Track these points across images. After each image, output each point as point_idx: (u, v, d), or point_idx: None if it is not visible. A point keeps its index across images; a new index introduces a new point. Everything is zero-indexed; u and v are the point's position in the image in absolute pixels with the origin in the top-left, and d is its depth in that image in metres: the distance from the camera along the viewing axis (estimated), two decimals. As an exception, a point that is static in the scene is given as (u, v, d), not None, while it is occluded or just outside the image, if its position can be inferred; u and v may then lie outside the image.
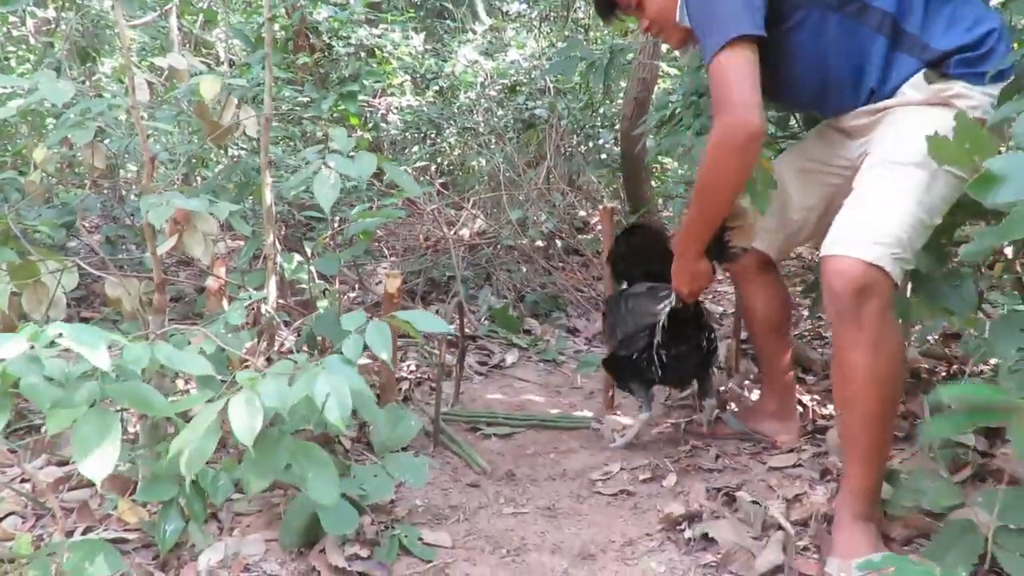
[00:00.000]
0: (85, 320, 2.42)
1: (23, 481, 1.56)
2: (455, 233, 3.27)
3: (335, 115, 3.51)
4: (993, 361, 1.90)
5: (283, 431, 1.13)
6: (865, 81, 1.37)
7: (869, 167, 1.32)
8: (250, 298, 1.38)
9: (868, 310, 1.20)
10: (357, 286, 2.91)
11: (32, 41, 4.16)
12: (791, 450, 1.73)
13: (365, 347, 1.16)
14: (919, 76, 1.32)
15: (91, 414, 0.96)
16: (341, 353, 1.09)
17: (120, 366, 0.97)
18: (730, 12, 1.28)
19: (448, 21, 4.61)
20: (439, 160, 4.19)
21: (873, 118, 1.39)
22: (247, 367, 1.36)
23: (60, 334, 0.91)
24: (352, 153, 1.36)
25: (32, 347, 0.92)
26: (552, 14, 5.02)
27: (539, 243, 3.42)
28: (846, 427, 1.30)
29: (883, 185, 1.26)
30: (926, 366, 2.03)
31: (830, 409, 1.92)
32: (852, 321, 1.21)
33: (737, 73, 1.28)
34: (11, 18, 4.17)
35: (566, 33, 4.71)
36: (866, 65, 1.35)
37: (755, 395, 2.05)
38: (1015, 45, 1.98)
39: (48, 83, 1.29)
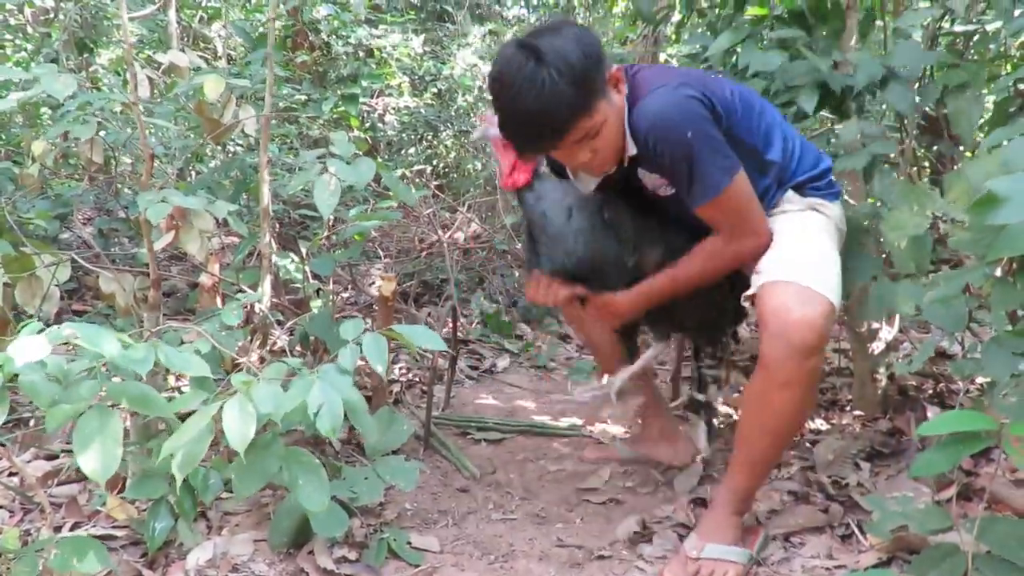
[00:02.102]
0: (77, 313, 2.41)
1: (11, 475, 1.55)
2: (449, 236, 3.27)
3: (334, 115, 3.51)
4: (980, 380, 1.92)
5: (275, 435, 1.14)
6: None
7: (784, 235, 1.39)
8: (246, 299, 1.38)
9: (815, 359, 1.25)
10: (350, 286, 2.91)
11: (30, 30, 4.14)
12: (778, 465, 1.74)
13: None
14: (791, 193, 1.45)
15: (93, 413, 0.96)
16: (336, 361, 1.09)
17: (118, 365, 0.97)
18: (724, 149, 1.31)
19: (448, 24, 4.62)
20: (435, 162, 4.19)
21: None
22: (240, 367, 1.37)
23: (75, 335, 0.91)
24: (351, 158, 1.37)
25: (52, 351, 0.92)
26: (551, 18, 5.03)
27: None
28: (744, 446, 1.37)
29: (812, 239, 1.37)
30: (913, 383, 2.05)
31: (819, 423, 1.94)
32: (798, 367, 1.23)
33: (752, 200, 1.37)
34: (8, 6, 4.15)
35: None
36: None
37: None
38: (1009, 67, 2.02)
39: (49, 76, 1.29)
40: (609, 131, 1.29)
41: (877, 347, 1.97)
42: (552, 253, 1.42)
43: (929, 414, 1.81)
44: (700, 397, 1.73)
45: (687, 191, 1.33)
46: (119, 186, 3.22)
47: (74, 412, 0.96)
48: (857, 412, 1.95)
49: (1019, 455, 0.97)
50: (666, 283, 1.43)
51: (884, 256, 1.59)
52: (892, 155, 2.23)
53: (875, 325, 1.99)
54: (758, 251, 1.38)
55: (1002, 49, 1.96)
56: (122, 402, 1.01)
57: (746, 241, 1.38)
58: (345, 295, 2.89)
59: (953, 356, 2.15)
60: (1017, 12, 1.56)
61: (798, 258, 1.32)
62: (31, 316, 1.54)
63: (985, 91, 1.73)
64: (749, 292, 1.34)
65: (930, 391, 2.02)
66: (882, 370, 1.96)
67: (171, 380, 1.80)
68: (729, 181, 1.30)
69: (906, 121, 1.95)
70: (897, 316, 2.02)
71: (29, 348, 0.88)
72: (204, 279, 1.99)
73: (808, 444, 1.81)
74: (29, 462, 1.61)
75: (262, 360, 1.66)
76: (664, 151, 1.29)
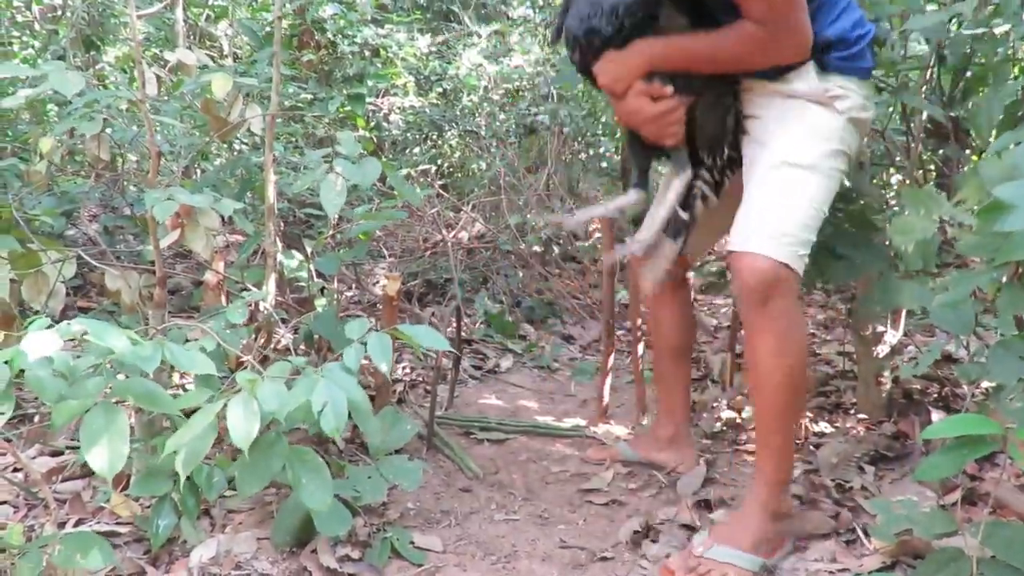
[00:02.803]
0: (82, 310, 2.42)
1: (15, 471, 1.56)
2: (454, 236, 3.27)
3: (340, 115, 3.51)
4: (985, 384, 1.92)
5: (278, 433, 1.14)
6: None
7: (770, 166, 1.36)
8: (252, 298, 1.38)
9: (777, 304, 1.30)
10: (354, 285, 2.91)
11: (37, 27, 4.15)
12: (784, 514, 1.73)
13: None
14: (807, 67, 1.36)
15: (99, 409, 0.96)
16: (341, 360, 1.09)
17: (124, 362, 0.97)
18: None
19: (454, 24, 4.62)
20: (439, 162, 4.19)
21: (760, 98, 1.42)
22: (244, 364, 1.37)
23: (84, 331, 0.91)
24: (357, 158, 1.37)
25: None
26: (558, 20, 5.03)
27: (537, 248, 3.43)
28: (760, 420, 1.40)
29: (785, 187, 1.33)
30: (918, 387, 2.05)
31: (823, 426, 1.94)
32: (762, 313, 1.30)
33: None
34: (15, 2, 4.17)
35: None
36: None
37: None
38: (1016, 71, 2.01)
39: (57, 73, 1.29)
40: None
41: (882, 350, 1.97)
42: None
43: (934, 418, 1.81)
44: (684, 215, 1.53)
45: None
46: (125, 183, 3.23)
47: (80, 408, 0.96)
48: (861, 415, 1.95)
49: (1024, 459, 0.97)
50: (698, 45, 1.33)
51: (892, 253, 1.58)
52: (899, 159, 2.24)
53: (879, 328, 1.98)
54: (798, 52, 1.32)
55: (1010, 52, 1.95)
56: (128, 399, 1.01)
57: (785, 39, 1.29)
58: (349, 294, 2.90)
59: (958, 360, 2.15)
60: (1026, 15, 1.55)
61: (755, 220, 1.32)
62: (36, 312, 1.55)
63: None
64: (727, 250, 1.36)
65: (935, 395, 2.02)
66: (887, 373, 1.96)
67: (175, 377, 1.80)
68: None
69: (912, 124, 1.95)
70: (902, 319, 2.02)
71: (40, 343, 0.88)
72: (209, 277, 2.00)
73: (812, 447, 1.81)
74: (34, 458, 1.61)
75: (266, 359, 1.66)
76: None
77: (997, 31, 1.69)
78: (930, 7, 2.20)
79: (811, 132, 1.34)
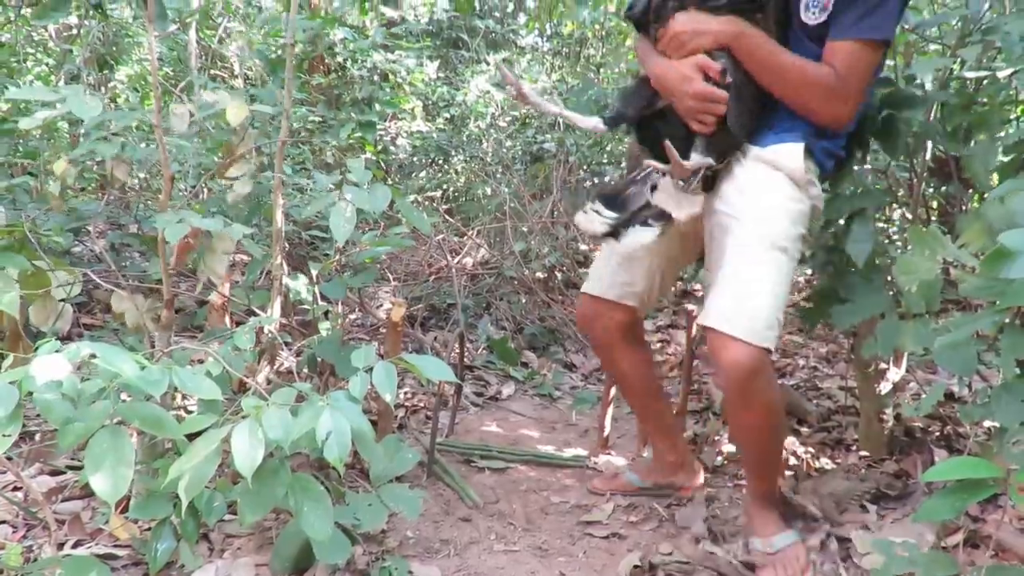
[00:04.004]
0: (87, 327, 2.42)
1: (15, 489, 1.55)
2: (458, 261, 3.29)
3: (350, 140, 3.54)
4: (988, 423, 1.91)
5: (282, 461, 1.14)
6: (780, 117, 1.44)
7: (753, 245, 1.39)
8: (259, 323, 1.38)
9: (759, 383, 1.37)
10: (359, 308, 2.91)
11: (52, 46, 4.21)
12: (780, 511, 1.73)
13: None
14: (799, 147, 1.42)
15: (105, 432, 0.96)
16: (346, 388, 1.10)
17: (131, 386, 0.97)
18: (894, 10, 1.34)
19: (463, 51, 4.68)
20: (445, 187, 4.22)
21: (744, 160, 1.45)
22: (247, 389, 1.37)
23: (93, 355, 0.92)
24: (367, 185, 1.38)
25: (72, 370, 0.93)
26: (565, 49, 5.10)
27: (540, 275, 3.44)
28: (747, 458, 1.55)
29: (767, 270, 1.38)
30: (920, 425, 2.04)
31: (824, 462, 1.93)
32: (744, 392, 1.38)
33: (871, 76, 1.39)
34: (32, 20, 4.23)
35: (577, 69, 4.77)
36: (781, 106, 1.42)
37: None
38: (1019, 111, 2.03)
39: (75, 97, 1.31)
40: None
41: (884, 387, 1.97)
42: None
43: (936, 457, 1.81)
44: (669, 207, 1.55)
45: (857, 18, 1.32)
46: (133, 201, 3.25)
47: (87, 431, 0.96)
48: (863, 452, 1.94)
49: (1026, 504, 0.97)
50: (765, 50, 1.37)
51: (893, 293, 1.59)
52: (901, 194, 2.25)
53: (882, 365, 1.98)
54: (840, 118, 1.40)
55: (1012, 93, 1.98)
56: (134, 422, 1.01)
57: (844, 98, 1.37)
58: (353, 317, 2.90)
59: (961, 399, 2.15)
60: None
61: (736, 301, 1.36)
62: (38, 332, 1.55)
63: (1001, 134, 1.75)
64: (700, 322, 1.42)
65: (937, 433, 2.01)
66: (889, 410, 1.96)
67: (178, 398, 1.80)
68: (889, 39, 1.35)
69: (916, 162, 1.97)
70: (904, 356, 2.02)
71: (49, 367, 0.89)
72: (214, 298, 2.01)
73: (813, 491, 1.80)
74: (34, 477, 1.61)
75: (269, 382, 1.67)
76: None
77: (1000, 75, 1.71)
78: (932, 46, 2.24)
79: (786, 214, 1.40)
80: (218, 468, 1.50)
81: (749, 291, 1.36)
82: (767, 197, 1.41)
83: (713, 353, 1.39)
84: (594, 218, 1.50)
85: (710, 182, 1.49)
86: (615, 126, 1.53)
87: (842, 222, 1.71)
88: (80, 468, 1.59)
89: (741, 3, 1.36)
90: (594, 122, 1.51)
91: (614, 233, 1.54)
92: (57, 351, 0.95)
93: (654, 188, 1.56)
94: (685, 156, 1.41)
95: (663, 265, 1.65)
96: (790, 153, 1.42)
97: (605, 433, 2.11)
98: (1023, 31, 1.46)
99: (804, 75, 1.36)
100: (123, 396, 1.16)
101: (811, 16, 1.37)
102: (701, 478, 1.83)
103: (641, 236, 1.50)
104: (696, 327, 2.04)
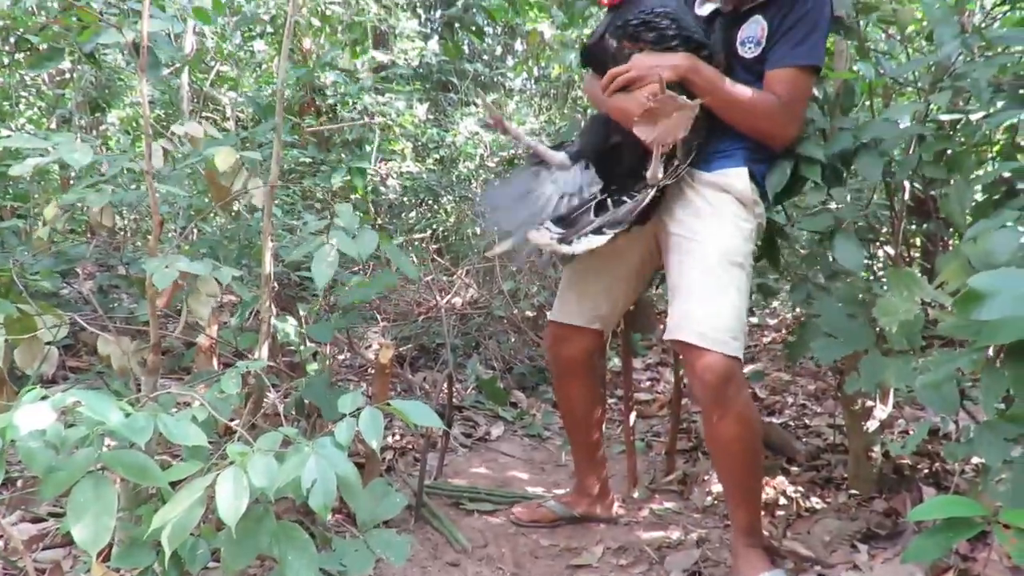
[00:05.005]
0: (73, 370, 2.41)
1: (-5, 538, 1.53)
2: (447, 301, 3.30)
3: (341, 184, 3.58)
4: (975, 460, 1.92)
5: (267, 508, 1.13)
6: (723, 144, 1.57)
7: (714, 263, 1.50)
8: (246, 368, 1.38)
9: (731, 391, 1.47)
10: (347, 349, 2.91)
11: (44, 89, 4.26)
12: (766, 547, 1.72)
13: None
14: (744, 171, 1.56)
15: (88, 481, 0.96)
16: (333, 434, 1.10)
17: (116, 432, 0.97)
18: (823, 38, 1.54)
19: (452, 94, 4.76)
20: (435, 226, 4.25)
21: (695, 184, 1.57)
22: (233, 432, 1.36)
23: (78, 402, 0.91)
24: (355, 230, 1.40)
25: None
26: (553, 91, 5.19)
27: (529, 314, 3.45)
28: (727, 484, 1.60)
29: (729, 284, 1.50)
30: (909, 462, 2.05)
31: (814, 502, 1.92)
32: (719, 402, 1.48)
33: (808, 97, 1.60)
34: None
35: (565, 111, 4.86)
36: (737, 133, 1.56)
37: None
38: (994, 150, 2.08)
39: (66, 145, 1.33)
40: None
41: (871, 424, 1.97)
42: None
43: (925, 495, 1.80)
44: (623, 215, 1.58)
45: (790, 48, 1.50)
46: (121, 242, 3.26)
47: (70, 480, 0.96)
48: (853, 491, 1.94)
49: (1010, 542, 0.97)
50: (723, 87, 1.51)
51: (876, 329, 1.61)
52: (885, 230, 2.29)
53: (868, 402, 1.99)
54: (786, 138, 1.57)
55: (988, 134, 2.03)
56: (118, 470, 1.01)
57: (789, 125, 1.55)
58: (342, 357, 2.90)
59: (948, 435, 2.15)
60: (1000, 103, 1.63)
61: (704, 315, 1.47)
62: (23, 375, 1.54)
63: (976, 173, 1.79)
64: (669, 336, 1.52)
65: (926, 470, 2.02)
66: (877, 448, 1.96)
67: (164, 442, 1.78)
68: (820, 64, 1.54)
69: (895, 199, 2.01)
70: (891, 393, 2.03)
71: (32, 416, 0.89)
72: (202, 340, 2.00)
73: (805, 532, 1.79)
74: (15, 524, 1.59)
75: (255, 427, 1.66)
76: (807, 1, 1.50)
77: (972, 118, 1.76)
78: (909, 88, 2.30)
79: (739, 232, 1.54)
80: (204, 514, 1.49)
81: (715, 305, 1.47)
82: (720, 218, 1.54)
83: (687, 365, 1.51)
84: (544, 233, 1.58)
85: (649, 211, 1.56)
86: (577, 160, 1.64)
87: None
88: (62, 515, 1.57)
89: (692, 44, 1.50)
90: (561, 157, 1.64)
91: (565, 240, 1.58)
92: (43, 398, 0.95)
93: (600, 208, 1.61)
94: (638, 184, 1.54)
95: (622, 286, 1.76)
96: (737, 176, 1.55)
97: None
98: (990, 77, 1.51)
99: (754, 103, 1.52)
100: (108, 441, 1.15)
101: (747, 51, 1.55)
102: (612, 505, 1.91)
103: (591, 242, 1.56)
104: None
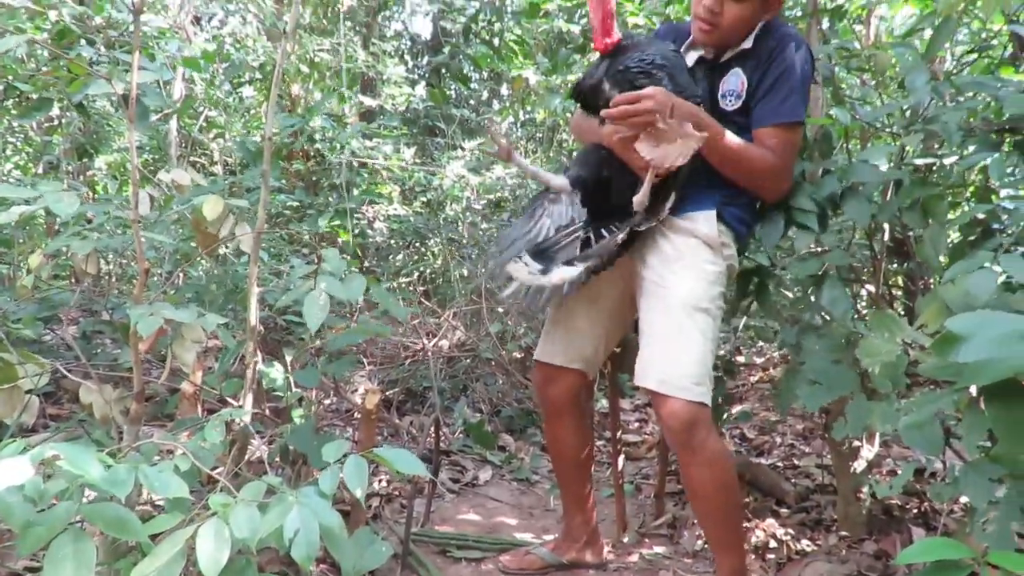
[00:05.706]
0: (53, 418, 2.37)
1: (-32, 595, 1.48)
2: (434, 344, 3.29)
3: (327, 229, 3.60)
4: (964, 499, 1.92)
5: (248, 560, 1.11)
6: (694, 190, 1.59)
7: (678, 309, 1.53)
8: (230, 416, 1.37)
9: (699, 435, 1.49)
10: (333, 393, 2.89)
11: (32, 134, 4.27)
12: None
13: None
14: (711, 214, 1.59)
15: (67, 536, 0.94)
16: (317, 483, 1.08)
17: (95, 485, 0.96)
18: (804, 95, 1.59)
19: (439, 138, 4.82)
20: (422, 268, 4.27)
21: (665, 229, 1.59)
22: (216, 481, 1.34)
23: (58, 456, 0.90)
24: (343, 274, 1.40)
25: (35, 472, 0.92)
26: (539, 135, 5.28)
27: (517, 355, 3.45)
28: (707, 528, 1.62)
29: (694, 331, 1.52)
30: (897, 503, 2.04)
31: (805, 544, 1.91)
32: (688, 447, 1.50)
33: (797, 151, 1.66)
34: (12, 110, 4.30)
35: (550, 154, 4.93)
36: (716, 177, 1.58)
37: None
38: (970, 191, 2.13)
39: (53, 195, 1.34)
40: (748, 10, 1.54)
41: (859, 465, 1.97)
42: None
43: (914, 536, 1.80)
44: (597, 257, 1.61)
45: (776, 106, 1.55)
46: (106, 288, 3.24)
47: (49, 535, 0.94)
48: (843, 532, 1.93)
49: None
50: (727, 142, 1.52)
51: (860, 373, 1.62)
52: (866, 270, 2.32)
53: (856, 443, 2.00)
54: (780, 190, 1.63)
55: (963, 176, 2.08)
56: (98, 524, 0.99)
57: (784, 180, 1.61)
58: (328, 402, 2.87)
59: (935, 474, 2.15)
60: (972, 147, 1.67)
61: (668, 362, 1.50)
62: (2, 424, 1.52)
63: (951, 216, 1.83)
64: (636, 383, 1.56)
65: (915, 510, 2.01)
66: (865, 489, 1.96)
67: (145, 492, 1.75)
68: (803, 119, 1.59)
69: (875, 240, 2.04)
70: (877, 434, 2.04)
71: (11, 471, 0.88)
72: (185, 387, 1.98)
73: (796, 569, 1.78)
74: (-11, 580, 1.54)
75: (238, 475, 1.63)
76: (784, 59, 1.55)
77: (946, 161, 1.81)
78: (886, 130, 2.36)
79: (704, 276, 1.56)
80: (185, 565, 1.46)
81: (676, 351, 1.50)
82: (685, 264, 1.56)
83: (655, 410, 1.54)
84: (522, 267, 1.60)
85: (621, 250, 1.59)
86: (575, 187, 1.67)
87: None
88: (39, 569, 1.53)
89: (685, 96, 1.51)
90: (562, 181, 1.68)
91: (543, 273, 1.60)
92: (23, 451, 0.94)
93: (585, 244, 1.64)
94: (627, 218, 1.57)
95: (604, 328, 1.77)
96: (705, 219, 1.58)
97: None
98: (960, 121, 1.56)
99: (752, 158, 1.56)
100: (88, 492, 1.13)
101: (728, 104, 1.61)
102: (601, 551, 1.90)
103: (568, 273, 1.57)
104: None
